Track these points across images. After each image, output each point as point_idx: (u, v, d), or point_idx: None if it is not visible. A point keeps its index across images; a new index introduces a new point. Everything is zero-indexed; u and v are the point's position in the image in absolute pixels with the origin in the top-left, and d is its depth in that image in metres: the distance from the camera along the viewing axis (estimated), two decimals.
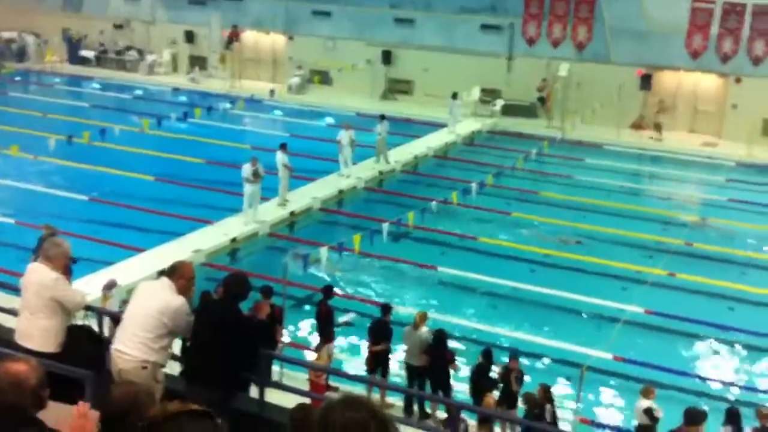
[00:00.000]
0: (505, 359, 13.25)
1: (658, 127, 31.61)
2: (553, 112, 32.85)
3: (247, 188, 20.48)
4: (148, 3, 41.87)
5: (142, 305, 7.22)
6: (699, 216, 23.62)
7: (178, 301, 7.17)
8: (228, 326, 7.19)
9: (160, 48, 41.50)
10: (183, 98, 36.82)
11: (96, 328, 8.99)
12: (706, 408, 11.65)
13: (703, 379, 14.88)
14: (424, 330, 13.28)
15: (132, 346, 7.02)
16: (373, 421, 2.92)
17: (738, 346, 16.12)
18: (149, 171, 24.96)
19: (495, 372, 12.88)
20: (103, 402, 4.60)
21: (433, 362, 13.10)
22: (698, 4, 31.26)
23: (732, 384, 14.61)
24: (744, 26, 30.78)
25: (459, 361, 13.54)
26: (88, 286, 15.16)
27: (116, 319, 8.11)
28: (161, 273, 7.55)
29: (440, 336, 13.15)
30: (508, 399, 12.42)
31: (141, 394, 4.57)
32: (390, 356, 13.72)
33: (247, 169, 20.34)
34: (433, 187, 24.64)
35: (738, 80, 31.37)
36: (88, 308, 9.60)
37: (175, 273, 7.30)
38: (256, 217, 20.81)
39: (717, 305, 17.81)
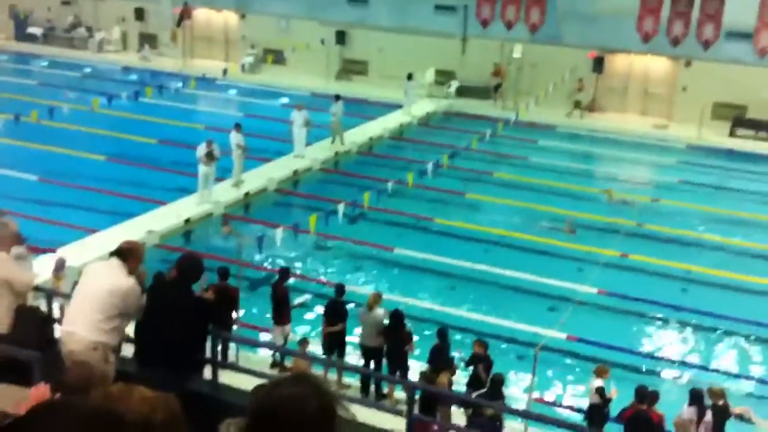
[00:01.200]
0: (466, 341, 13.32)
1: (577, 105, 32.07)
2: (507, 95, 32.98)
3: (201, 169, 20.26)
4: None
5: (91, 286, 7.07)
6: (607, 190, 23.99)
7: (129, 281, 7.03)
8: (181, 308, 7.08)
9: (110, 25, 40.62)
10: (133, 77, 36.17)
11: (46, 309, 8.82)
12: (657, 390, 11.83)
13: (657, 358, 15.12)
14: (379, 311, 13.26)
15: (82, 327, 6.88)
16: (315, 398, 2.87)
17: (690, 327, 16.41)
18: (100, 151, 24.52)
19: (457, 355, 12.98)
20: (57, 383, 4.48)
21: (389, 343, 13.11)
22: None
23: (685, 363, 14.86)
24: (694, 9, 31.15)
25: (415, 341, 13.54)
26: (39, 268, 14.88)
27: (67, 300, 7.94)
28: (111, 254, 7.39)
29: (397, 316, 13.15)
30: (476, 383, 12.45)
31: (95, 376, 4.47)
32: (345, 337, 13.68)
33: (201, 150, 20.09)
34: (388, 168, 24.57)
35: (688, 63, 31.82)
36: (37, 289, 9.41)
37: (125, 253, 7.15)
38: (210, 197, 20.57)
39: (669, 285, 18.11)
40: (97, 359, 6.76)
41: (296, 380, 2.96)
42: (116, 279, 6.99)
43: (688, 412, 11.06)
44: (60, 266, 14.38)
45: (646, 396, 11.28)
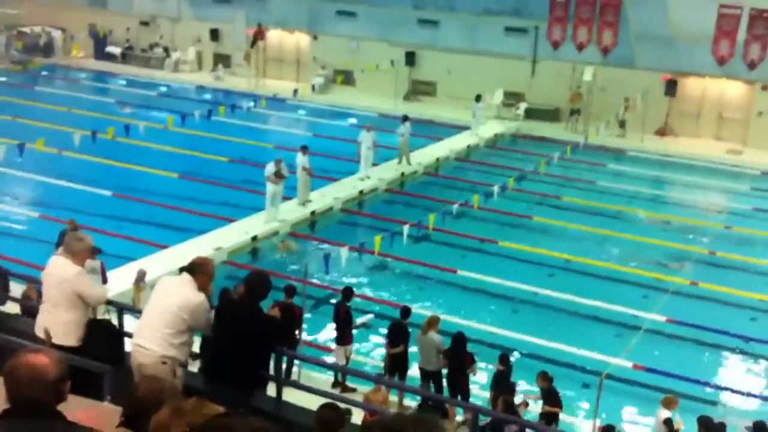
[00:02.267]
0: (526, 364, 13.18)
1: (622, 125, 31.55)
2: (578, 118, 32.69)
3: (270, 188, 20.58)
4: (175, 0, 42.07)
5: (162, 300, 7.21)
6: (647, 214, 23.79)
7: (199, 297, 7.15)
8: (249, 325, 7.19)
9: (185, 45, 41.70)
10: (207, 96, 36.99)
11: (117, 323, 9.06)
12: (725, 420, 11.53)
13: (724, 389, 14.72)
14: (433, 335, 13.19)
15: (152, 341, 7.01)
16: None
17: (760, 358, 15.94)
18: (173, 168, 25.12)
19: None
20: (129, 397, 4.62)
21: (450, 365, 13.07)
22: (725, 10, 30.96)
23: (753, 395, 14.43)
24: None
25: (478, 365, 13.46)
26: (114, 280, 15.36)
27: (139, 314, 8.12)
28: (182, 269, 7.56)
29: (459, 339, 13.11)
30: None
31: (167, 390, 4.59)
32: (408, 359, 13.68)
33: (270, 169, 20.42)
34: (454, 190, 24.59)
35: (765, 87, 31.05)
36: (110, 303, 9.68)
37: (196, 269, 7.28)
38: (277, 216, 20.88)
39: (739, 315, 17.64)
40: (165, 373, 6.87)
41: (418, 421, 3.02)
42: (187, 294, 7.11)
43: None
44: (141, 277, 14.80)
45: (712, 428, 11.02)
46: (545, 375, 12.49)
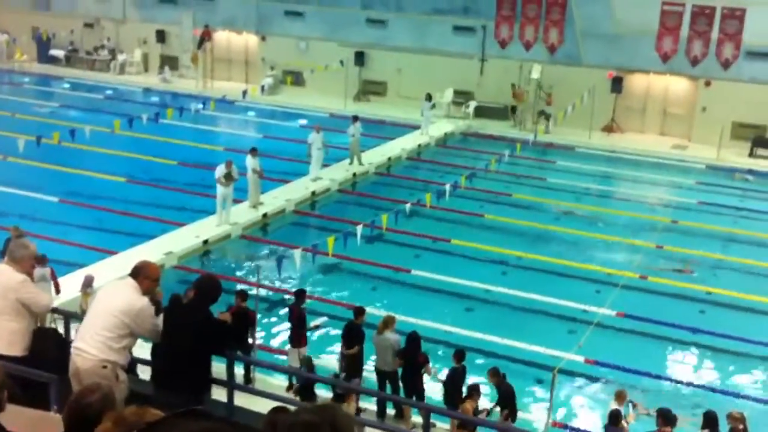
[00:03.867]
0: (477, 361, 13.26)
1: (544, 116, 32.03)
2: (525, 116, 33.00)
3: (220, 190, 20.35)
4: (119, 1, 41.45)
5: (104, 304, 7.13)
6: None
7: (142, 301, 7.08)
8: (199, 330, 7.11)
9: (131, 47, 41.11)
10: (154, 98, 36.55)
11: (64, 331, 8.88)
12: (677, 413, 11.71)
13: (675, 381, 14.96)
14: (390, 335, 13.19)
15: (92, 345, 6.92)
16: (330, 427, 2.92)
17: (709, 349, 16.25)
18: (120, 172, 24.76)
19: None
20: (67, 409, 4.51)
21: (405, 365, 13.07)
22: (668, 7, 31.54)
23: (703, 387, 14.69)
24: (713, 29, 31.10)
25: (432, 364, 13.49)
26: (63, 287, 15.08)
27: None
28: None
29: (413, 339, 13.11)
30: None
31: (105, 399, 4.50)
32: (363, 360, 13.66)
33: (219, 171, 20.21)
34: (406, 189, 24.65)
35: (708, 83, 31.70)
36: (55, 311, 9.49)
37: (140, 273, 7.21)
38: (228, 219, 20.67)
39: (689, 308, 17.97)
40: (106, 377, 6.79)
41: (317, 409, 3.01)
42: (129, 298, 7.04)
43: None
44: (88, 283, 14.58)
45: (670, 419, 11.20)
46: (496, 371, 12.57)
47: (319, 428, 3.04)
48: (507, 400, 12.43)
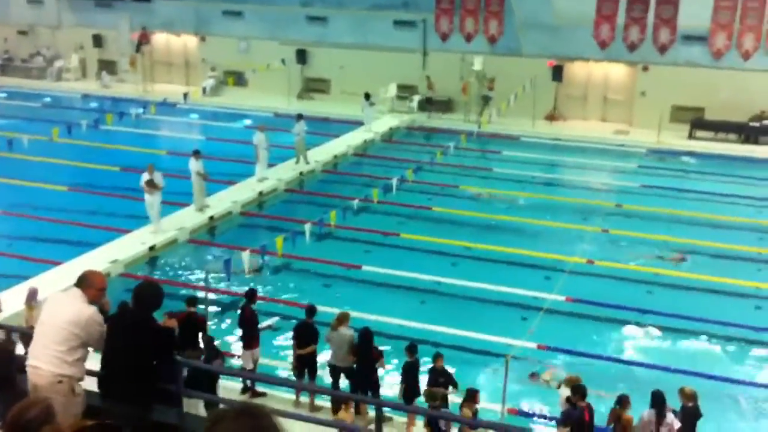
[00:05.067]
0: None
1: (486, 101, 32.29)
2: (469, 107, 33.21)
3: (146, 197, 19.79)
4: (54, 7, 40.62)
5: (52, 317, 6.99)
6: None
7: (89, 310, 6.96)
8: (141, 338, 6.99)
9: (68, 53, 40.32)
10: (93, 104, 35.92)
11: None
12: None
13: (627, 362, 15.19)
14: (344, 331, 13.17)
15: (46, 360, 6.80)
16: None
17: (656, 329, 16.53)
18: (61, 181, 24.29)
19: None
20: (16, 420, 4.41)
21: (359, 361, 13.05)
22: None
23: (654, 366, 14.92)
24: (649, 14, 31.63)
25: (387, 358, 13.50)
26: (5, 303, 14.71)
27: (26, 336, 7.81)
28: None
29: (366, 335, 13.10)
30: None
31: (50, 410, 4.42)
32: (317, 358, 13.61)
33: (143, 178, 19.67)
34: (354, 186, 24.63)
35: (645, 68, 32.25)
36: None
37: (85, 283, 7.10)
38: (157, 228, 20.08)
39: (635, 289, 18.27)
40: (63, 392, 6.69)
41: (239, 414, 2.96)
42: (76, 308, 6.92)
43: (648, 413, 11.12)
44: (32, 296, 14.25)
45: (623, 402, 11.38)
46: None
47: None
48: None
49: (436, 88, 33.56)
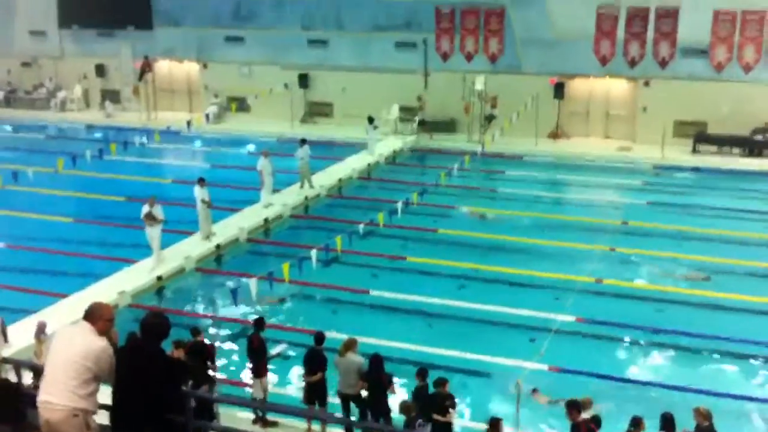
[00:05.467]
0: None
1: (489, 119, 32.40)
2: (472, 127, 33.23)
3: (147, 231, 19.63)
4: (56, 38, 40.88)
5: (63, 351, 6.94)
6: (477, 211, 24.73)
7: (101, 342, 6.91)
8: (149, 369, 6.95)
9: (71, 83, 40.53)
10: (98, 134, 36.02)
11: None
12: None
13: (639, 382, 15.05)
14: (352, 357, 13.07)
15: (59, 395, 6.74)
16: None
17: (669, 347, 16.42)
18: (67, 212, 24.35)
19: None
20: None
21: (370, 387, 12.96)
22: (603, 11, 32.10)
23: (668, 386, 14.78)
24: (649, 29, 31.72)
25: (397, 384, 13.41)
26: (13, 337, 14.70)
27: (36, 370, 7.78)
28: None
29: (375, 361, 13.01)
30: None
31: None
32: (326, 385, 13.52)
33: (143, 210, 19.53)
34: (359, 210, 24.57)
35: (647, 83, 32.30)
36: (5, 360, 9.25)
37: (94, 315, 7.05)
38: (158, 262, 19.84)
39: (645, 307, 18.17)
40: (78, 426, 6.66)
41: None
42: (87, 342, 6.87)
43: None
44: (41, 329, 14.20)
45: (637, 423, 11.28)
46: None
47: None
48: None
49: (428, 107, 33.75)
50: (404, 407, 12.00)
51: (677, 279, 19.76)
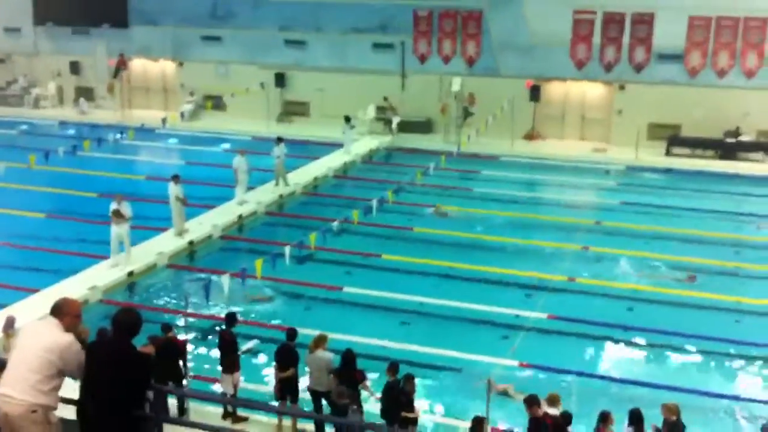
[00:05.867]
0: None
1: (466, 115, 32.52)
2: (449, 128, 33.32)
3: (112, 228, 19.15)
4: (30, 35, 40.51)
5: (28, 346, 6.85)
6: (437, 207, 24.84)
7: (66, 338, 6.83)
8: (120, 364, 6.88)
9: (45, 80, 40.16)
10: (71, 131, 35.71)
11: None
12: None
13: (609, 379, 15.15)
14: (322, 353, 13.02)
15: (20, 390, 6.64)
16: None
17: (638, 346, 16.54)
18: (38, 208, 24.08)
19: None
20: None
21: (341, 383, 12.92)
22: (580, 16, 32.33)
23: (637, 383, 14.89)
24: (625, 34, 31.98)
25: (370, 380, 13.39)
26: None
27: (2, 364, 7.66)
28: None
29: (348, 356, 12.98)
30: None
31: None
32: (298, 381, 13.47)
33: (111, 207, 19.12)
34: (333, 207, 24.55)
35: (622, 87, 32.55)
36: None
37: (61, 311, 6.97)
38: (128, 260, 19.40)
39: (616, 306, 18.29)
40: (37, 422, 6.56)
41: None
42: (53, 337, 6.78)
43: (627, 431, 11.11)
44: (10, 324, 14.03)
45: (606, 419, 11.35)
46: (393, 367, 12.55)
47: None
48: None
49: (399, 109, 33.73)
50: (337, 393, 12.10)
51: (668, 280, 19.83)
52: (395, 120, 34.12)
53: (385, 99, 33.98)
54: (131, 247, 19.67)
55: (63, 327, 6.89)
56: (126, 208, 19.09)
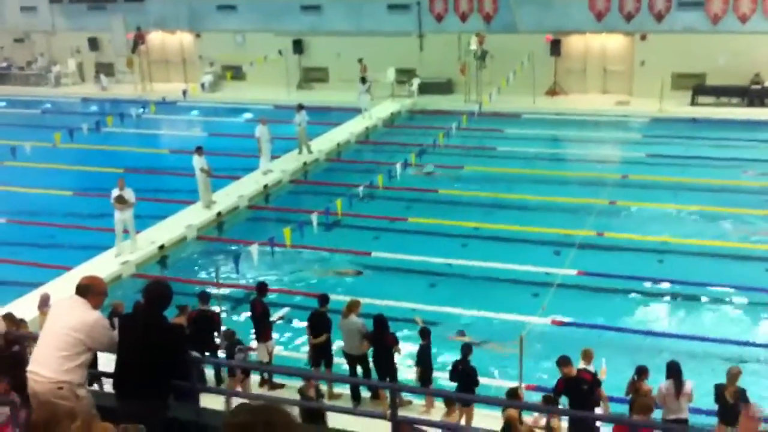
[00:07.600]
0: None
1: (483, 57, 32.28)
2: (470, 87, 33.06)
3: (115, 215, 18.63)
4: (47, 13, 40.57)
5: (56, 324, 6.98)
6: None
7: (94, 315, 6.95)
8: (152, 336, 7.00)
9: (65, 58, 40.28)
10: (93, 108, 35.91)
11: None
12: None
13: (643, 332, 15.14)
14: (355, 318, 13.16)
15: (47, 366, 6.77)
16: (261, 426, 3.22)
17: (671, 296, 16.51)
18: (66, 186, 24.33)
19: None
20: (25, 423, 4.51)
21: (375, 348, 13.06)
22: None
23: (673, 335, 14.87)
24: None
25: (402, 344, 13.49)
26: (18, 311, 14.73)
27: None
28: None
29: (380, 321, 13.10)
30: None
31: (58, 414, 4.47)
32: (331, 347, 13.62)
33: (113, 193, 18.65)
34: (358, 173, 24.52)
35: (643, 37, 32.06)
36: (8, 334, 9.28)
37: (86, 290, 7.07)
38: (134, 246, 19.00)
39: (646, 259, 18.23)
40: (65, 397, 6.66)
41: (253, 410, 3.13)
42: (80, 315, 6.89)
43: (665, 385, 11.06)
44: (45, 302, 14.24)
45: (642, 372, 11.34)
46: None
47: (253, 428, 3.24)
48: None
49: (368, 71, 32.30)
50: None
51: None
52: (415, 82, 33.89)
53: (359, 61, 32.72)
54: (135, 233, 19.23)
55: (89, 305, 7.01)
56: (129, 194, 18.70)
